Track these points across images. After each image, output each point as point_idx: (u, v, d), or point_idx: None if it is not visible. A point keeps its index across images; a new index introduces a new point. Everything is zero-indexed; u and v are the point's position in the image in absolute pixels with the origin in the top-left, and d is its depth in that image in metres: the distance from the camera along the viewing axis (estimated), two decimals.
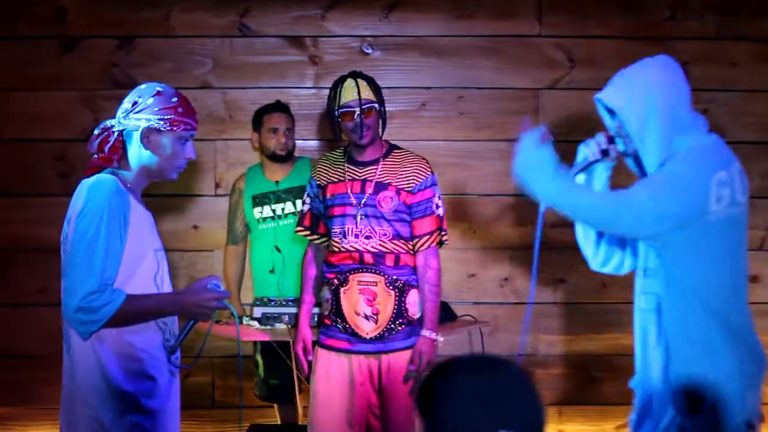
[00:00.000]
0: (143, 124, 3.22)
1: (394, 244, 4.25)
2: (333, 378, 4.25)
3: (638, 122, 3.25)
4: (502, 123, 5.56)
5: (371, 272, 4.23)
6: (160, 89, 3.28)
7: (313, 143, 5.62)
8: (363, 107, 4.17)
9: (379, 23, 5.52)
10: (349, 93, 4.17)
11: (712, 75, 5.61)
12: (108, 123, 3.29)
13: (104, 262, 3.04)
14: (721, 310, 3.26)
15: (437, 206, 4.32)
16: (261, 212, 5.17)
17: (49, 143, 5.50)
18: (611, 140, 3.38)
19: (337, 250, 4.29)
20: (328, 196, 4.34)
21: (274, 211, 5.18)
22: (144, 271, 3.20)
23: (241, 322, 4.77)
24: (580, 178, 3.44)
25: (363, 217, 4.24)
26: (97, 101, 5.45)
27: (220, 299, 3.26)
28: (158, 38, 5.51)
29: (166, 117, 3.22)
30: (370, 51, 5.52)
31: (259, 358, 5.25)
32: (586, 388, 5.67)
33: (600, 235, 3.50)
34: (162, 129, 3.22)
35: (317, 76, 5.53)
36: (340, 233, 4.28)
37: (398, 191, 4.24)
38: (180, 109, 3.25)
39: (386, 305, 4.24)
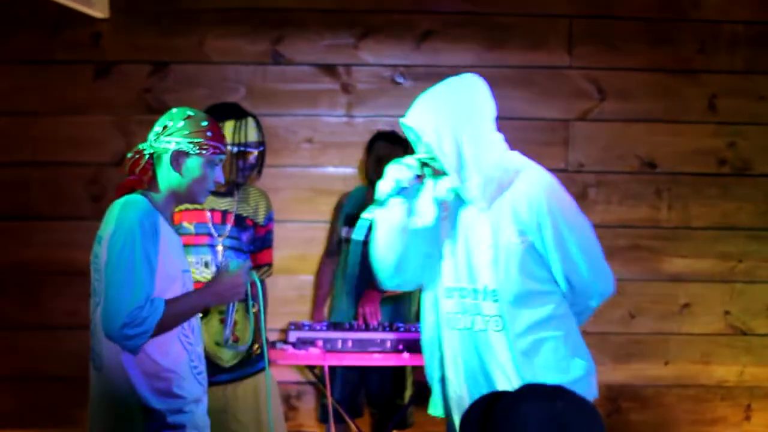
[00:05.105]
0: (173, 146, 3.31)
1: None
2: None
3: (453, 155, 3.23)
4: (533, 153, 5.51)
5: None
6: (191, 113, 3.38)
7: (344, 171, 5.59)
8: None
9: (412, 53, 5.56)
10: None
11: (741, 108, 5.65)
12: (140, 146, 3.37)
13: (144, 277, 3.11)
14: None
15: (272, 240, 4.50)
16: (347, 232, 5.12)
17: (83, 167, 5.54)
18: (423, 164, 3.35)
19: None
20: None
21: None
22: (174, 291, 3.25)
23: (273, 347, 4.73)
24: (396, 201, 3.38)
25: (225, 248, 4.26)
26: (130, 126, 5.48)
27: (244, 269, 3.42)
28: (192, 64, 5.56)
29: (195, 140, 3.31)
30: (402, 80, 5.54)
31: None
32: None
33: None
34: (191, 152, 3.31)
35: (349, 105, 5.54)
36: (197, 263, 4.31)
37: (255, 225, 4.35)
38: (209, 133, 3.35)
39: (245, 332, 4.19)
